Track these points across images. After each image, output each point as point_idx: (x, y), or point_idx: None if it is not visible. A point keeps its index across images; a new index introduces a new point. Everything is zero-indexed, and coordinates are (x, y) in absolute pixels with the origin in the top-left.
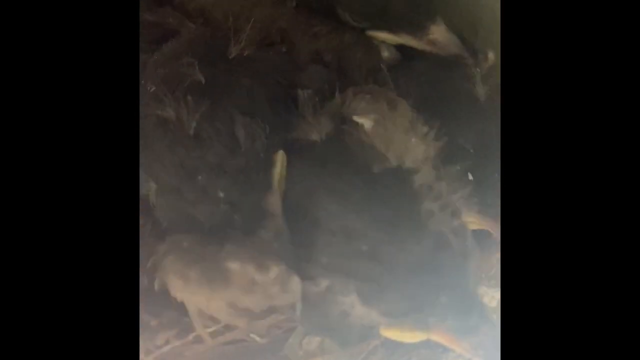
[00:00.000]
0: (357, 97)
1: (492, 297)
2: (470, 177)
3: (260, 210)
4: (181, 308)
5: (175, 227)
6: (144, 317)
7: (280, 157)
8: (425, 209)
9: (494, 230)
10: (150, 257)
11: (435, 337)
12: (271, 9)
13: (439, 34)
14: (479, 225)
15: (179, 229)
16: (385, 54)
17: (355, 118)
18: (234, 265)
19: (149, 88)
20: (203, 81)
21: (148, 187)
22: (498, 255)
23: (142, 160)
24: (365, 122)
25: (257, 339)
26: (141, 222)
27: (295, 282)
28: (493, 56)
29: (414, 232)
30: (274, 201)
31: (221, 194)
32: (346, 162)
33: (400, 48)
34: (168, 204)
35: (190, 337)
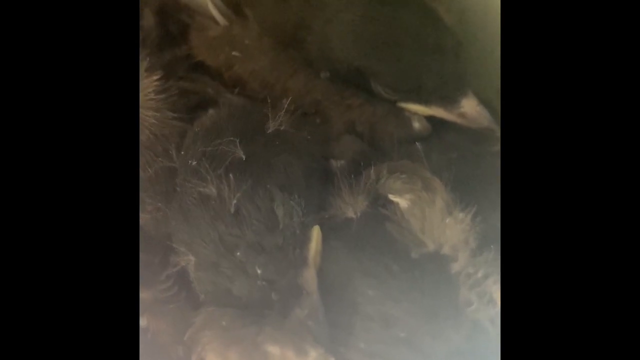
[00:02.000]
0: (392, 175)
1: None
2: None
3: (296, 288)
4: None
5: (213, 300)
6: None
7: (315, 232)
8: (463, 297)
9: None
10: (186, 329)
11: None
12: (305, 80)
13: (469, 107)
14: None
15: (216, 302)
16: (416, 125)
17: (391, 197)
18: (273, 350)
19: (189, 162)
20: (244, 158)
21: (187, 260)
22: None
23: (181, 234)
24: (401, 201)
25: None
26: (178, 292)
27: None
28: None
29: (453, 321)
30: (310, 277)
31: (259, 271)
32: (383, 245)
33: (431, 119)
34: (206, 277)
35: None
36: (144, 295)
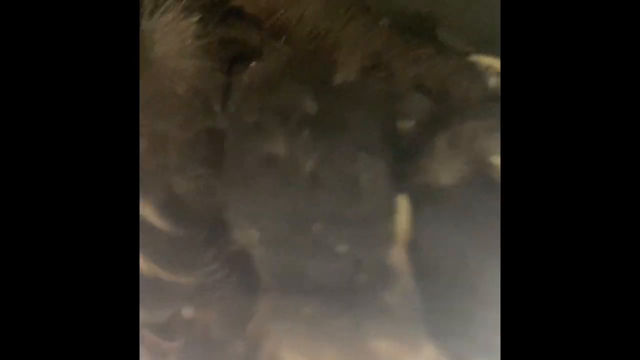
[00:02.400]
0: (492, 135)
1: None
2: None
3: (386, 268)
4: None
5: (282, 285)
6: None
7: (403, 202)
8: None
9: None
10: (247, 320)
11: None
12: (363, 29)
13: None
14: None
15: (287, 288)
16: (493, 81)
17: (494, 159)
18: (381, 345)
19: (245, 118)
20: (313, 113)
21: (249, 236)
22: None
23: (243, 204)
24: None
25: None
26: (231, 274)
27: None
28: None
29: None
30: (400, 255)
31: (341, 248)
32: (497, 215)
33: None
34: (274, 257)
35: None
36: (187, 280)
